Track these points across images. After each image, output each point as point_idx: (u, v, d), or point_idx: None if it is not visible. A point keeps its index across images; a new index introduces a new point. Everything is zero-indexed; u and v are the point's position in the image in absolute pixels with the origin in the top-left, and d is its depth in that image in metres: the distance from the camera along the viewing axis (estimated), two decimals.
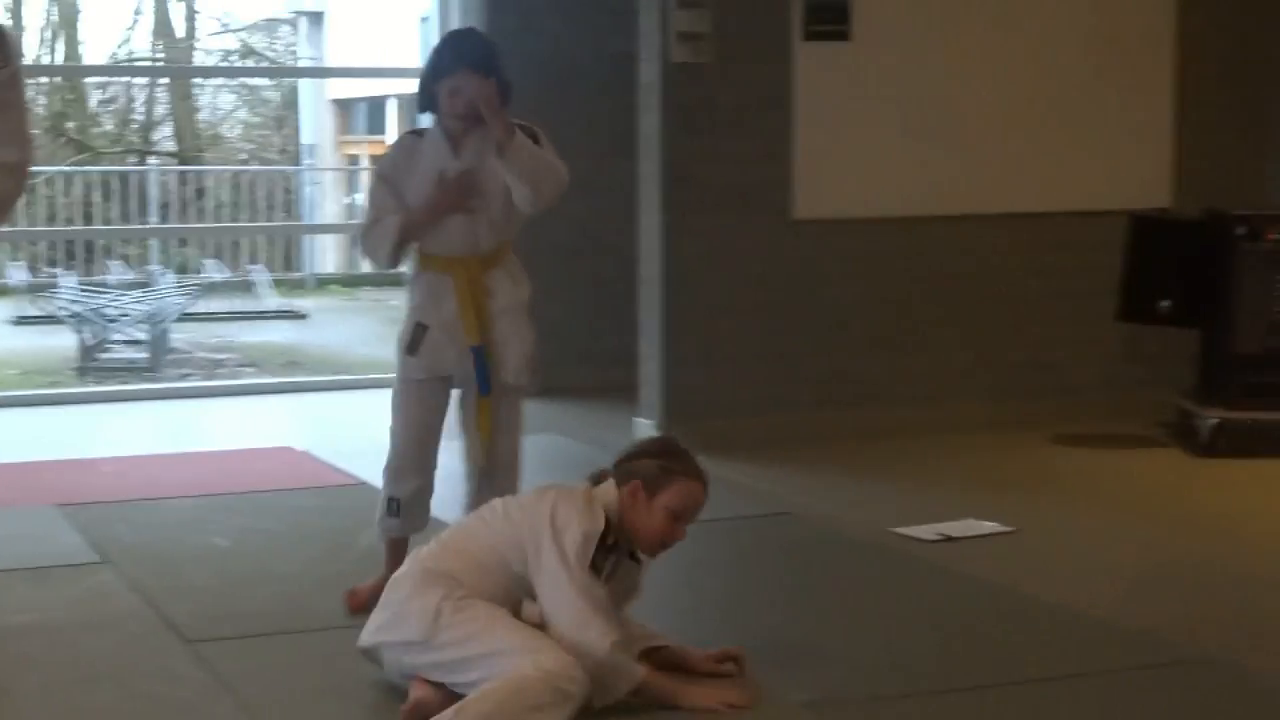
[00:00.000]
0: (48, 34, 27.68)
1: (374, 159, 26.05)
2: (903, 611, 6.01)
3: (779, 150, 8.70)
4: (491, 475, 5.89)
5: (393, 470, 5.96)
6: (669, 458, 5.05)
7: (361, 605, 5.68)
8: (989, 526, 7.07)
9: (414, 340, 5.85)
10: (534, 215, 5.87)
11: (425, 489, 5.99)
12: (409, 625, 4.92)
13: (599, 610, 4.83)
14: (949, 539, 6.90)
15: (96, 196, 22.25)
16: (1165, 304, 8.71)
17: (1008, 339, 9.27)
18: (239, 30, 29.55)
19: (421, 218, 5.78)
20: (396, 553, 5.82)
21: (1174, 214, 9.14)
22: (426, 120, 6.07)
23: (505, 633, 4.81)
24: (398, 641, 4.96)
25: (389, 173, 5.89)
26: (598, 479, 5.10)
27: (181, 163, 26.39)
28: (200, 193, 23.99)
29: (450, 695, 4.77)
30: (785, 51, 8.73)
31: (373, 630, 5.08)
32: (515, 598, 4.99)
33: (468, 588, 4.90)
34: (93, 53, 28.47)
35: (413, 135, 6.01)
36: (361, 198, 24.75)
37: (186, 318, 18.03)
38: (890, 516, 7.21)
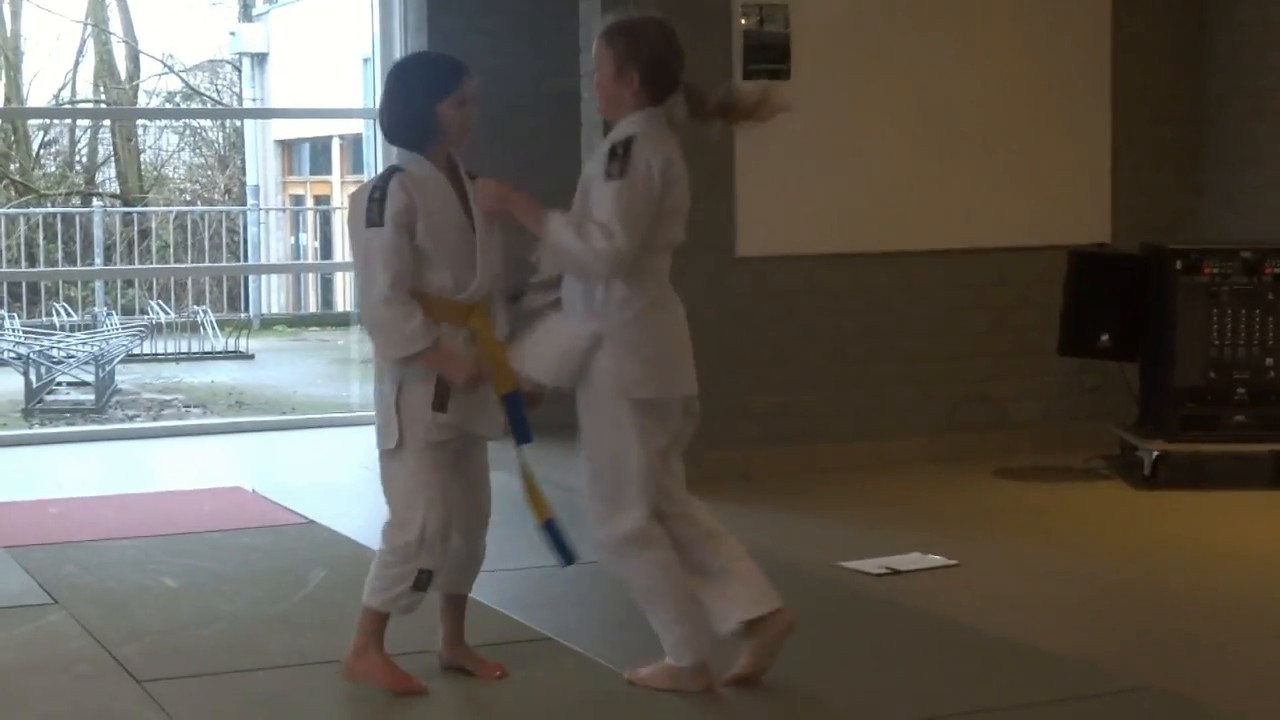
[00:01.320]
0: None
1: (319, 199, 26.05)
2: (850, 644, 6.05)
3: (721, 188, 8.76)
4: (482, 523, 5.58)
5: (425, 540, 5.32)
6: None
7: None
8: (934, 560, 7.13)
9: (441, 396, 5.31)
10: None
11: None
12: None
13: None
14: (895, 572, 6.95)
15: (40, 238, 22.19)
16: (1105, 338, 8.80)
17: (949, 374, 9.35)
18: (182, 71, 29.54)
19: (446, 374, 5.28)
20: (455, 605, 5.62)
21: (1112, 249, 9.26)
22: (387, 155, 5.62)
23: None
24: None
25: (404, 220, 5.27)
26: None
27: (125, 204, 26.34)
28: (144, 234, 23.94)
29: None
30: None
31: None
32: None
33: None
34: (35, 94, 28.42)
35: (399, 173, 5.34)
36: (306, 238, 24.76)
37: (132, 359, 18.01)
38: (836, 550, 7.26)
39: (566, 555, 5.51)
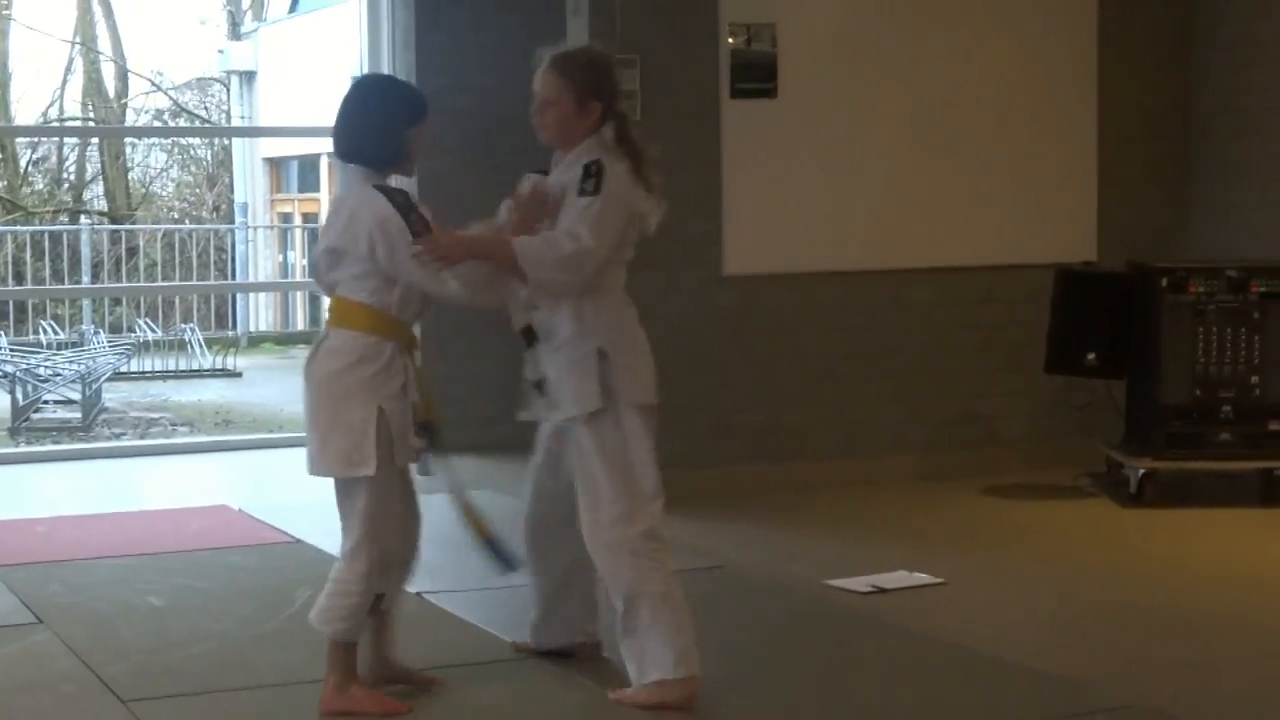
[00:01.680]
0: None
1: (308, 217, 26.03)
2: (836, 663, 6.05)
3: (708, 207, 8.77)
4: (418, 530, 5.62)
5: (381, 567, 5.36)
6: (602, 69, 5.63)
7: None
8: (921, 578, 7.13)
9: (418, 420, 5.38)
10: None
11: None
12: None
13: None
14: (881, 590, 6.95)
15: (28, 256, 22.17)
16: (1092, 356, 8.81)
17: (937, 392, 9.35)
18: (170, 89, 29.54)
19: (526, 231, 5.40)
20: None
21: (1099, 267, 9.26)
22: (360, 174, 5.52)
23: None
24: None
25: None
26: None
27: (113, 222, 26.32)
28: (132, 252, 23.92)
29: None
30: (713, 109, 8.81)
31: None
32: None
33: None
34: (23, 112, 28.43)
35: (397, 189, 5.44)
36: (294, 255, 24.75)
37: (119, 377, 17.98)
38: (823, 568, 7.26)
39: (508, 563, 5.62)
